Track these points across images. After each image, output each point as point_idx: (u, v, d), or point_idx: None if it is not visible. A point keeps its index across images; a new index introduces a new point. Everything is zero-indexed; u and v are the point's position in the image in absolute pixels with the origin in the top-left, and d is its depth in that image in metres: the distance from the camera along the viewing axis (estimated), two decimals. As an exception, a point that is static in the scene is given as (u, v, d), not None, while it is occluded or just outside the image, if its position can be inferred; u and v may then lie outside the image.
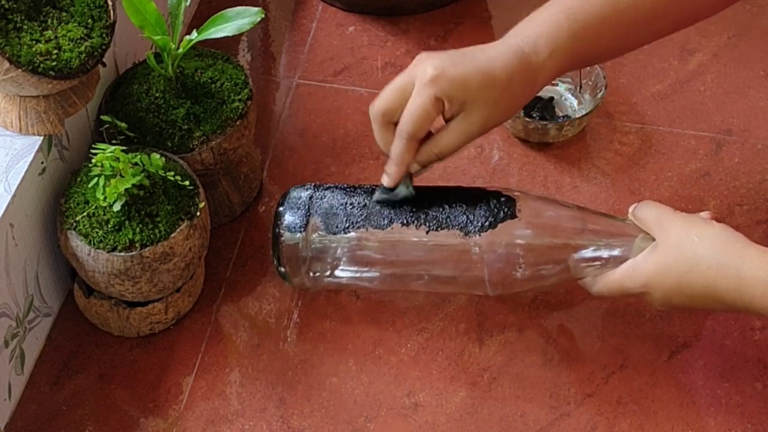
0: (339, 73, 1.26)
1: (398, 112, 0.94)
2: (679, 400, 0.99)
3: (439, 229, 0.97)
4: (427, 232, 0.97)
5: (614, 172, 1.16)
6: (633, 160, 1.17)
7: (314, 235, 0.98)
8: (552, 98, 1.21)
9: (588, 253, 0.96)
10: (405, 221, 0.97)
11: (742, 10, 1.31)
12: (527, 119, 1.16)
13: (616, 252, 0.95)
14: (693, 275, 0.90)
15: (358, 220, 0.98)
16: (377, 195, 0.98)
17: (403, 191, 0.97)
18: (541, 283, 0.97)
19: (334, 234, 0.98)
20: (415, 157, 0.96)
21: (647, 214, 0.95)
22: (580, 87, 1.20)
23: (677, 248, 0.91)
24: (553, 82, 1.21)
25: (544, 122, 1.16)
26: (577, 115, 1.19)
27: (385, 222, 0.98)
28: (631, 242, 0.95)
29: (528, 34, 0.95)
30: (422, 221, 0.97)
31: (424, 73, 0.92)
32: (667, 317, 1.04)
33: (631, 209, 0.97)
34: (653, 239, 0.94)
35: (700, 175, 1.16)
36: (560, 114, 1.20)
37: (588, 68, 1.19)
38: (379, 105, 0.95)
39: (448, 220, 0.97)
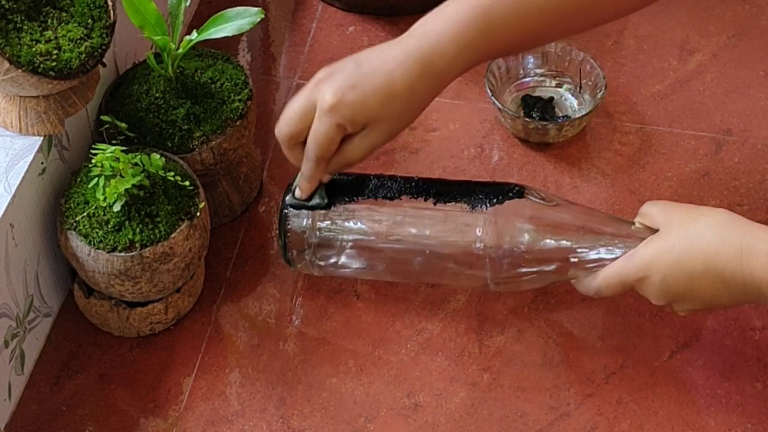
0: (339, 74, 1.26)
1: (303, 134, 0.96)
2: (679, 400, 0.99)
3: (446, 202, 0.98)
4: (435, 204, 0.99)
5: (614, 172, 1.16)
6: (633, 160, 1.17)
7: (320, 218, 1.00)
8: (552, 98, 1.21)
9: (590, 251, 0.96)
10: (413, 194, 0.99)
11: (742, 10, 1.31)
12: (527, 119, 1.16)
13: (617, 254, 0.95)
14: (695, 249, 0.89)
15: (364, 192, 1.00)
16: (289, 199, 1.01)
17: (316, 200, 1.00)
18: (542, 268, 0.97)
19: (341, 205, 1.00)
20: (325, 170, 0.98)
21: (653, 206, 0.95)
22: (580, 87, 1.20)
23: (680, 227, 0.91)
24: (553, 82, 1.22)
25: (544, 122, 1.16)
26: (577, 115, 1.18)
27: (393, 194, 0.99)
28: (635, 245, 0.94)
29: (433, 35, 0.93)
30: (430, 194, 0.99)
31: (324, 101, 0.93)
32: (667, 317, 1.04)
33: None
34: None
35: (700, 175, 1.16)
36: (560, 114, 1.20)
37: (588, 68, 1.19)
38: (284, 131, 0.97)
39: (456, 194, 0.99)
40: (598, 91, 1.18)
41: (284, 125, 0.97)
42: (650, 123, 1.20)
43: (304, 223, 1.00)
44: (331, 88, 0.93)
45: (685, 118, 1.21)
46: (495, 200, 0.98)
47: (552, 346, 1.03)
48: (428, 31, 0.94)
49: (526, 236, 0.96)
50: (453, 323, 1.05)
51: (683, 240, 0.90)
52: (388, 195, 1.00)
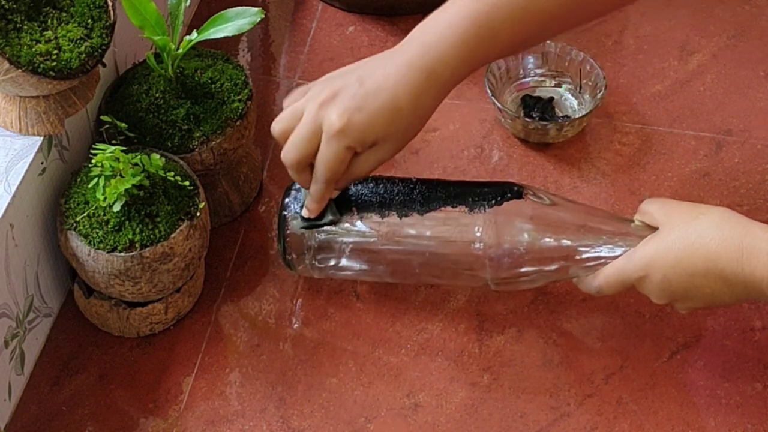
0: (339, 74, 1.26)
1: (311, 157, 0.95)
2: (679, 401, 0.99)
3: (446, 205, 0.98)
4: (432, 210, 0.98)
5: (614, 173, 1.16)
6: (633, 160, 1.17)
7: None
8: (552, 98, 1.21)
9: (590, 250, 0.96)
10: (413, 198, 0.99)
11: (742, 10, 1.31)
12: (527, 119, 1.16)
13: (617, 252, 0.95)
14: (695, 248, 0.89)
15: (365, 201, 0.99)
16: (300, 223, 1.00)
17: (328, 217, 0.99)
18: (542, 268, 0.97)
19: (340, 216, 0.99)
20: (333, 189, 0.98)
21: (652, 203, 0.95)
22: (580, 87, 1.20)
23: (680, 226, 0.91)
24: (552, 82, 1.22)
25: (544, 122, 1.16)
26: (577, 116, 1.18)
27: (394, 200, 0.99)
28: (635, 243, 0.94)
29: (433, 43, 0.93)
30: (432, 199, 0.99)
31: (331, 125, 0.92)
32: (667, 317, 1.04)
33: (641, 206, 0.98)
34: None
35: (700, 176, 1.16)
36: (560, 114, 1.20)
37: (588, 68, 1.19)
38: (291, 156, 0.95)
39: (455, 197, 0.98)
40: (598, 91, 1.18)
41: (292, 150, 0.95)
42: (650, 123, 1.20)
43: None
44: (337, 111, 0.92)
45: (686, 118, 1.21)
46: (494, 201, 0.98)
47: (552, 347, 1.03)
48: (427, 39, 0.93)
49: (526, 236, 0.96)
50: (453, 323, 1.05)
51: (684, 239, 0.90)
52: (389, 204, 0.99)
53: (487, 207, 0.97)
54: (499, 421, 0.99)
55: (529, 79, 1.22)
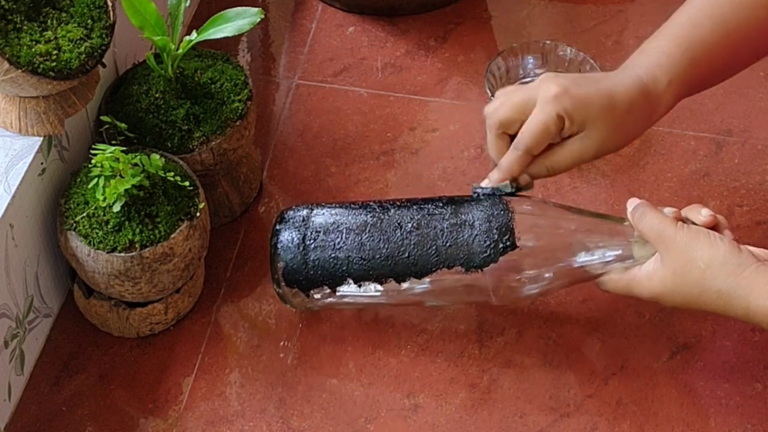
0: (339, 74, 1.26)
1: (515, 124, 0.96)
2: (679, 401, 0.99)
3: (441, 266, 0.96)
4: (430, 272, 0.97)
5: (614, 173, 1.16)
6: (633, 160, 1.17)
7: (314, 296, 1.00)
8: (552, 99, 1.20)
9: (587, 258, 0.95)
10: (407, 261, 0.96)
11: (742, 10, 1.31)
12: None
13: (614, 253, 0.95)
14: (703, 299, 0.90)
15: (358, 269, 0.97)
16: (475, 186, 0.98)
17: (506, 187, 0.97)
18: (546, 288, 0.97)
19: (335, 279, 0.98)
20: (525, 168, 0.97)
21: (648, 227, 0.93)
22: (580, 87, 1.20)
23: (684, 275, 0.90)
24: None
25: (544, 123, 1.16)
26: (577, 116, 1.18)
27: (386, 263, 0.96)
28: (628, 243, 0.94)
29: (644, 65, 0.97)
30: (425, 258, 0.96)
31: (548, 90, 0.94)
32: (667, 318, 1.04)
33: (629, 207, 0.96)
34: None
35: (700, 176, 1.16)
36: (560, 114, 1.20)
37: (588, 69, 1.19)
38: (497, 115, 0.96)
39: (448, 257, 0.95)
40: (598, 91, 1.18)
41: (500, 109, 0.96)
42: (650, 123, 1.20)
43: (299, 296, 1.00)
44: (557, 81, 0.95)
45: (685, 118, 1.21)
46: (489, 257, 0.94)
47: (552, 347, 1.03)
48: (639, 64, 0.97)
49: (525, 276, 0.96)
50: (453, 324, 1.05)
51: (689, 289, 0.90)
52: (382, 267, 0.96)
53: (483, 267, 0.95)
54: (499, 422, 0.98)
55: (529, 79, 1.22)
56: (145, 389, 1.01)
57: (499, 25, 1.31)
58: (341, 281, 0.97)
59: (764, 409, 0.99)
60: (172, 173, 0.99)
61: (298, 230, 0.98)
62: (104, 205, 0.96)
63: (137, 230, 0.96)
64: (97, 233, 0.97)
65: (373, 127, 1.21)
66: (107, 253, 0.96)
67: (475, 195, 0.98)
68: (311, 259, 0.97)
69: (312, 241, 0.98)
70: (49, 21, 0.95)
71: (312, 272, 0.98)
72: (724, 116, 1.21)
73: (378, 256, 0.97)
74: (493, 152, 0.98)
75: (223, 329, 1.05)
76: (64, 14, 0.96)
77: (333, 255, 0.97)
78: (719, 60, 0.99)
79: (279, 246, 0.98)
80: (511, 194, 0.97)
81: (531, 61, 1.21)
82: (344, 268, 0.97)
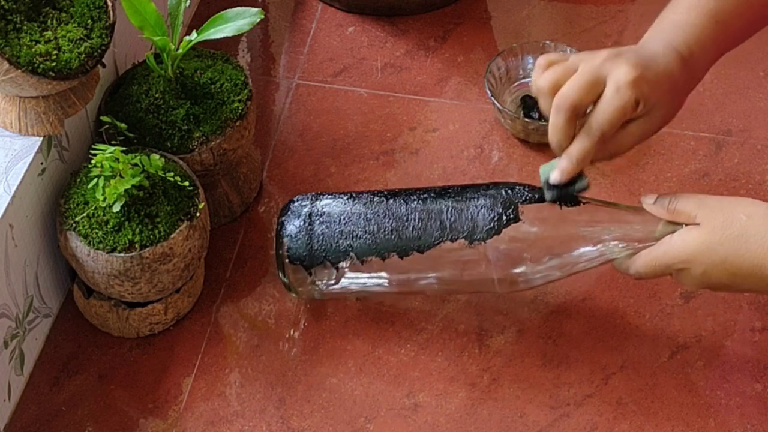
0: (339, 74, 1.26)
1: (586, 105, 0.92)
2: (679, 401, 0.99)
3: (444, 238, 0.96)
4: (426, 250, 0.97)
5: (613, 173, 1.16)
6: (632, 160, 1.17)
7: (321, 280, 1.00)
8: (552, 99, 1.20)
9: (598, 241, 0.95)
10: (409, 236, 0.97)
11: (742, 10, 1.31)
12: (527, 120, 1.16)
13: (622, 244, 0.94)
14: (741, 253, 0.88)
15: (361, 244, 0.97)
16: (548, 195, 0.95)
17: (583, 184, 0.94)
18: (550, 276, 0.97)
19: (338, 254, 0.98)
20: (595, 151, 0.94)
21: (686, 201, 0.92)
22: (580, 87, 1.20)
23: (724, 228, 0.89)
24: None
25: (544, 123, 1.16)
26: (577, 116, 1.18)
27: (390, 237, 0.97)
28: (645, 225, 0.93)
29: (680, 40, 0.95)
30: (428, 231, 0.96)
31: (625, 74, 0.91)
32: (667, 318, 1.04)
33: (649, 199, 0.95)
34: (678, 225, 0.92)
35: (699, 176, 1.16)
36: (560, 114, 1.20)
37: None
38: (570, 97, 0.92)
39: (452, 230, 0.96)
40: (597, 91, 1.18)
41: (572, 91, 0.91)
42: (650, 123, 1.20)
43: (306, 281, 1.00)
44: (629, 63, 0.91)
45: (685, 118, 1.20)
46: (493, 230, 0.95)
47: (552, 347, 1.03)
48: (674, 38, 0.95)
49: (527, 234, 0.95)
50: (453, 323, 1.05)
51: (730, 243, 0.89)
52: (386, 243, 0.97)
53: (486, 239, 0.95)
54: (499, 422, 0.98)
55: (529, 79, 1.22)
56: (144, 389, 1.01)
57: (499, 25, 1.31)
58: (345, 256, 0.98)
59: (764, 409, 0.99)
60: (171, 173, 0.99)
61: (305, 208, 1.00)
62: (104, 205, 0.96)
63: (137, 230, 0.96)
64: (96, 233, 0.97)
65: (373, 127, 1.21)
66: (107, 253, 0.96)
67: (551, 194, 0.95)
68: (317, 233, 0.98)
69: (318, 217, 0.99)
70: (49, 21, 0.95)
71: (316, 246, 0.98)
72: (723, 116, 1.21)
73: (382, 230, 0.97)
74: (560, 136, 0.93)
75: (223, 329, 1.05)
76: (63, 14, 0.96)
77: (338, 229, 0.98)
78: (745, 20, 0.97)
79: (285, 223, 1.00)
80: (587, 187, 0.94)
81: (531, 60, 1.22)
82: (348, 242, 0.97)
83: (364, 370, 1.02)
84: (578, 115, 0.93)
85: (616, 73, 0.91)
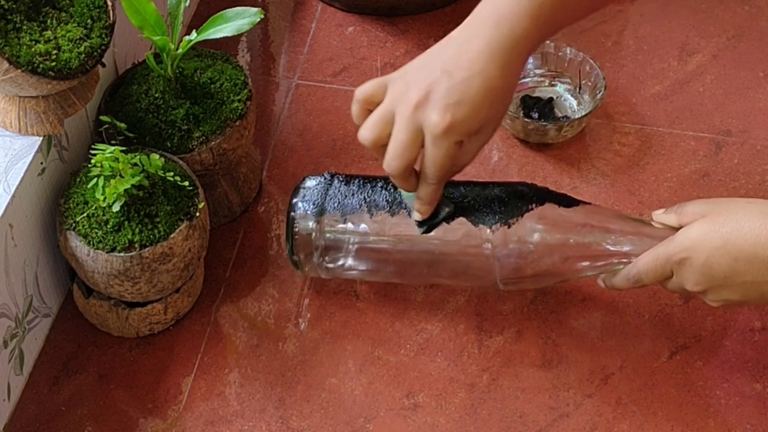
0: (338, 74, 1.26)
1: (416, 161, 0.93)
2: (679, 401, 0.99)
3: (452, 220, 0.97)
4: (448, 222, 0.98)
5: (614, 173, 1.16)
6: (632, 160, 1.17)
7: (328, 224, 0.99)
8: (551, 99, 1.21)
9: (603, 247, 0.95)
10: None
11: (741, 11, 1.31)
12: (526, 120, 1.16)
13: (630, 248, 0.94)
14: (743, 233, 0.88)
15: (375, 200, 0.99)
16: (419, 230, 0.98)
17: (445, 210, 0.97)
18: (552, 279, 0.97)
19: (348, 222, 0.99)
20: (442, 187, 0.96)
21: (694, 204, 0.93)
22: (580, 88, 1.20)
23: (727, 211, 0.89)
24: (552, 82, 1.22)
25: (544, 123, 1.16)
26: (577, 116, 1.19)
27: (399, 209, 0.99)
28: (649, 241, 0.94)
29: (510, 16, 0.91)
30: (436, 213, 0.98)
31: (436, 125, 0.89)
32: (666, 318, 1.04)
33: (657, 213, 0.96)
34: None
35: (699, 176, 1.16)
36: (559, 115, 1.20)
37: (587, 69, 1.19)
38: (398, 164, 0.92)
39: (463, 212, 0.97)
40: (597, 91, 1.18)
41: (397, 158, 0.91)
42: (650, 124, 1.20)
43: (311, 225, 1.00)
44: (438, 110, 0.89)
45: (685, 119, 1.21)
46: (503, 219, 0.96)
47: (551, 347, 1.03)
48: (503, 13, 0.92)
49: (536, 236, 0.96)
50: (452, 323, 1.05)
51: (732, 222, 0.89)
52: (399, 202, 0.99)
53: (492, 227, 0.97)
54: (499, 422, 0.99)
55: (529, 79, 1.22)
56: (144, 389, 1.01)
57: (498, 26, 1.31)
58: (356, 209, 0.99)
59: (764, 409, 0.99)
60: (171, 173, 0.99)
61: (323, 178, 1.03)
62: (104, 205, 0.96)
63: (137, 230, 0.96)
64: (96, 233, 0.97)
65: (372, 127, 1.20)
66: (107, 253, 0.96)
67: (421, 229, 0.98)
68: (333, 187, 1.01)
69: (336, 186, 1.01)
70: (48, 21, 0.95)
71: (330, 198, 1.01)
72: (723, 116, 1.21)
73: (396, 193, 0.99)
74: (407, 189, 0.96)
75: (223, 329, 1.05)
76: (63, 14, 0.96)
77: (351, 190, 1.01)
78: (571, 6, 0.95)
79: (300, 185, 1.03)
80: (452, 210, 0.98)
81: (530, 61, 1.22)
82: (361, 204, 1.00)
83: (363, 370, 1.02)
84: (411, 167, 0.93)
85: (428, 124, 0.90)
